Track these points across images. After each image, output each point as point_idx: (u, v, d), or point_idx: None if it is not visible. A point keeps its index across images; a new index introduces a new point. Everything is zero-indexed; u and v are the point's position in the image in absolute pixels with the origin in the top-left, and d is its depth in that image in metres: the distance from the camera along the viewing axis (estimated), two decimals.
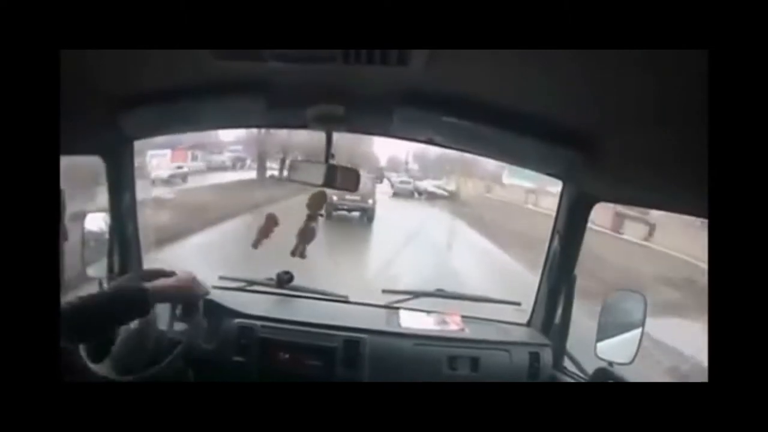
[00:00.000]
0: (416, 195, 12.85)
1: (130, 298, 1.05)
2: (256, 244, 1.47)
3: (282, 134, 9.44)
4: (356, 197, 8.82)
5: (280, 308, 1.61)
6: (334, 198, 8.57)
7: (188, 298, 1.20)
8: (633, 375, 1.28)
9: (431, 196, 12.57)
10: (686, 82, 0.65)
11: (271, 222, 1.48)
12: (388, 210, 9.91)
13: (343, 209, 9.03)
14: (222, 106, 1.26)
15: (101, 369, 1.13)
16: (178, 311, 1.31)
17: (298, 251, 1.43)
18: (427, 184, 13.19)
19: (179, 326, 1.32)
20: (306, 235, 1.43)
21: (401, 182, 13.09)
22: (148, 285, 1.09)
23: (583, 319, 1.61)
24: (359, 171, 1.31)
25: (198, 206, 8.13)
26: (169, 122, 1.47)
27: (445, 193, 12.87)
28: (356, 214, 9.21)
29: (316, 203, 1.42)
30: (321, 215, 1.43)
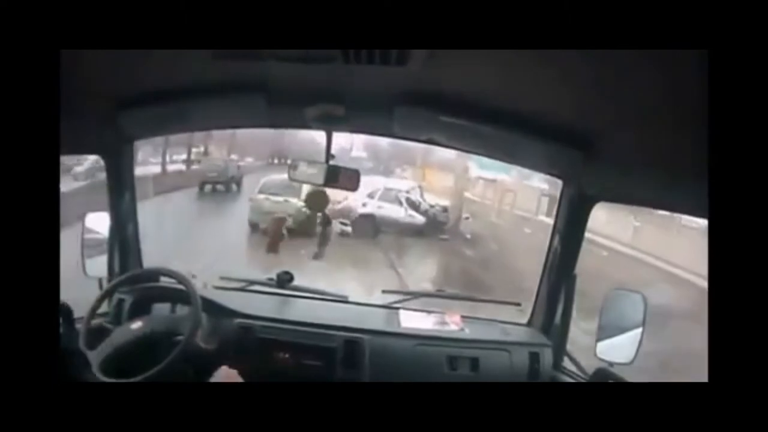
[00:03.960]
0: (340, 228, 4.98)
1: None
2: (274, 248, 1.47)
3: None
4: (214, 173, 8.13)
5: (280, 308, 1.61)
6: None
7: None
8: None
9: (375, 229, 5.53)
10: (686, 82, 0.65)
11: (281, 223, 1.49)
12: None
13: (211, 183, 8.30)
14: (222, 106, 1.26)
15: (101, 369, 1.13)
16: (176, 311, 1.31)
17: (317, 255, 1.46)
18: (380, 187, 6.31)
19: (178, 327, 1.32)
20: (322, 239, 1.44)
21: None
22: None
23: None
24: (359, 171, 1.32)
25: None
26: (169, 122, 1.47)
27: (418, 219, 6.05)
28: (221, 187, 8.36)
29: (318, 203, 1.41)
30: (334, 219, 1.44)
